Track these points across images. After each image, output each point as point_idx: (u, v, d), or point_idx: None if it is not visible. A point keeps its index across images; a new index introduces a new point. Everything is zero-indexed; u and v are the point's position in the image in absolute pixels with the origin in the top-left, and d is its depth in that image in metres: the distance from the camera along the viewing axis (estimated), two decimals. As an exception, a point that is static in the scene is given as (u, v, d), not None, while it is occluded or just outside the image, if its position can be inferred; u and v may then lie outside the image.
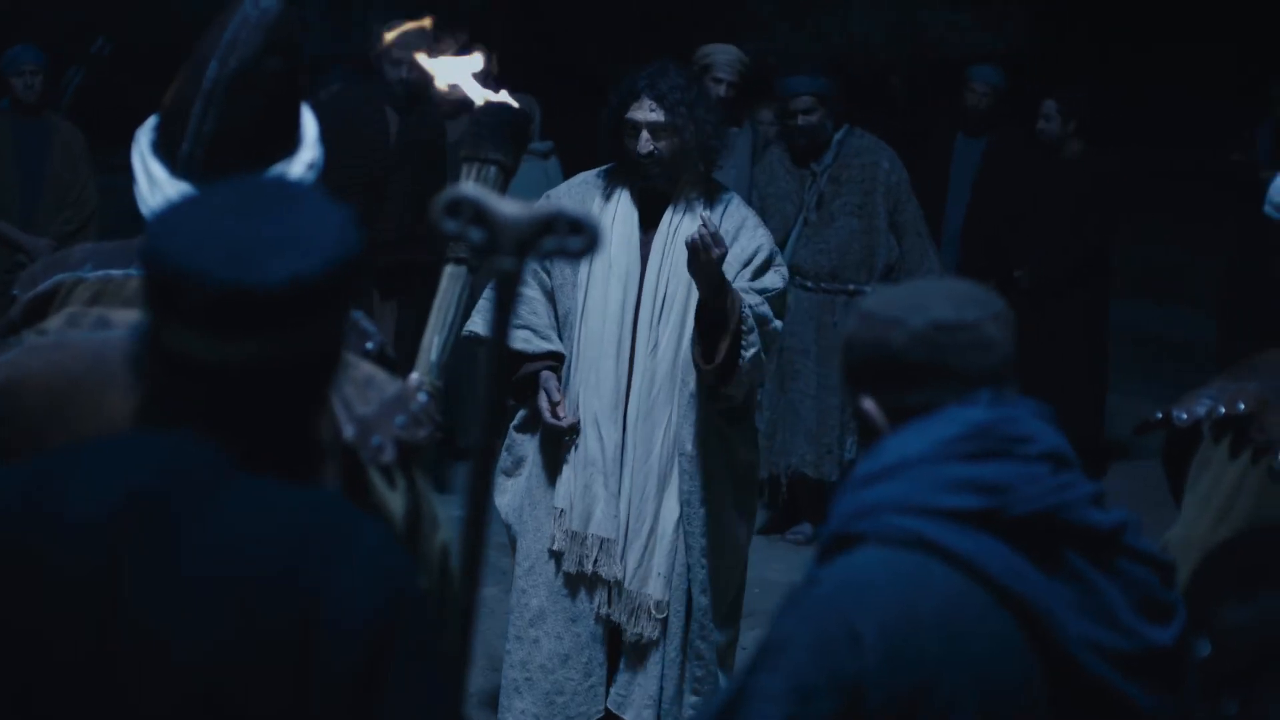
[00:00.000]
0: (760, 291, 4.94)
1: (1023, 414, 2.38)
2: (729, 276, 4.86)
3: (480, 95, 3.23)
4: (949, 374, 2.38)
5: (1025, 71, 10.05)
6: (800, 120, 7.75)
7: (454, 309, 3.13)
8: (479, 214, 2.10)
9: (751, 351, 4.86)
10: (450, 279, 3.14)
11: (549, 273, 5.09)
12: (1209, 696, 2.64)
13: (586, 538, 5.04)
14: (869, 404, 2.44)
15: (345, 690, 1.96)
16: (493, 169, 3.23)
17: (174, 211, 2.10)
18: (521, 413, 5.20)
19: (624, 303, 5.02)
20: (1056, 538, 2.34)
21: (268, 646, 1.95)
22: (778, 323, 5.05)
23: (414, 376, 3.00)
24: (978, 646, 2.28)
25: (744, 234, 5.03)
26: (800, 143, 7.80)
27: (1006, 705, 2.30)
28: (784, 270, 5.16)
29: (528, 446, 5.19)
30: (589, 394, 5.04)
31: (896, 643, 2.24)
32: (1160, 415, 3.47)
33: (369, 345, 2.79)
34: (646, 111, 4.94)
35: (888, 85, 12.47)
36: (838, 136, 7.82)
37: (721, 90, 8.23)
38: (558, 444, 5.10)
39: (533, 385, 5.07)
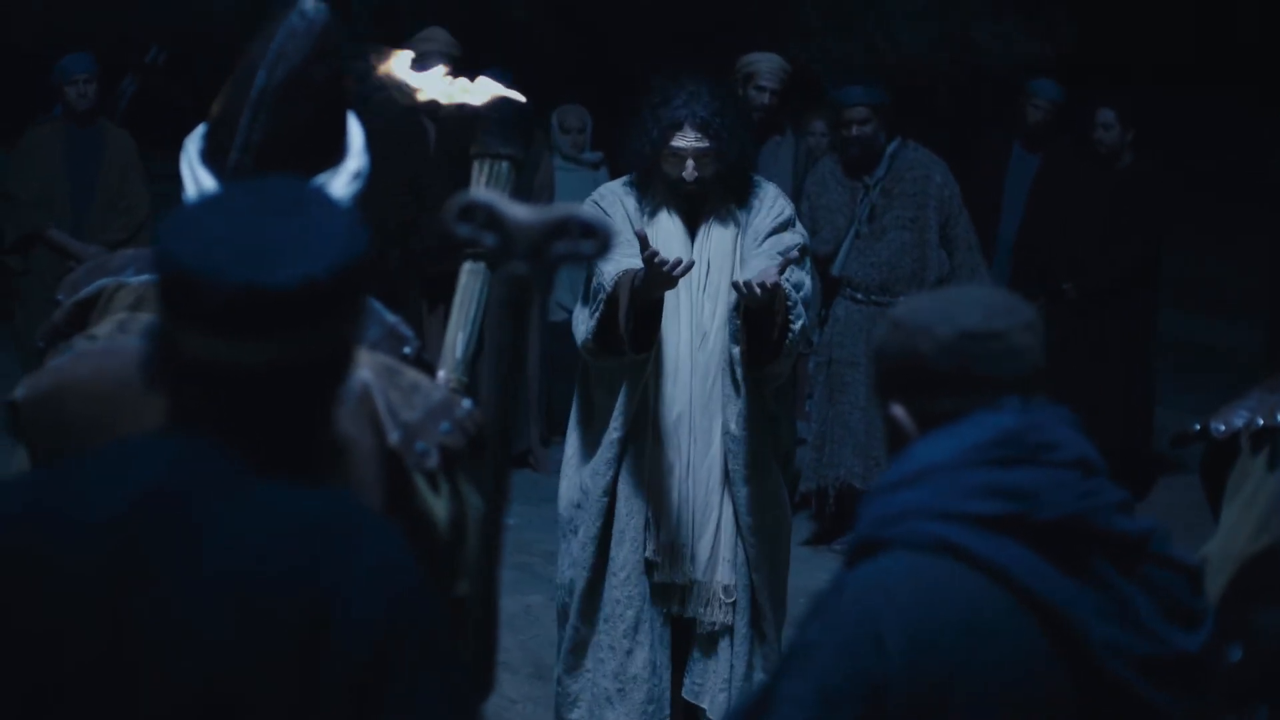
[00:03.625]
0: (783, 252, 5.01)
1: (1050, 421, 2.39)
2: (756, 247, 5.04)
3: (485, 94, 3.24)
4: (977, 381, 2.40)
5: (1075, 81, 10.01)
6: (855, 131, 7.79)
7: (475, 305, 3.15)
8: (492, 218, 2.11)
9: (799, 324, 4.96)
10: (470, 275, 3.16)
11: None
12: (1240, 702, 2.65)
13: (673, 545, 5.11)
14: (898, 411, 2.46)
15: (353, 689, 1.98)
16: (505, 165, 3.23)
17: (185, 214, 2.11)
18: (616, 418, 5.16)
19: (691, 309, 5.08)
20: (1083, 544, 2.35)
21: (277, 645, 1.97)
22: (807, 284, 5.12)
23: (441, 374, 3.03)
24: (1002, 651, 2.29)
25: (764, 206, 5.15)
26: (854, 153, 7.83)
27: (1029, 710, 2.31)
28: (802, 229, 5.26)
29: (616, 451, 5.16)
30: (670, 401, 5.09)
31: (919, 647, 2.26)
32: (1198, 427, 3.45)
33: (406, 350, 2.80)
34: (692, 140, 4.99)
35: (935, 95, 12.45)
36: (890, 149, 7.85)
37: (765, 98, 8.28)
38: (644, 452, 5.11)
39: (648, 315, 4.98)
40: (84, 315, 2.84)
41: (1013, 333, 2.42)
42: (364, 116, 2.80)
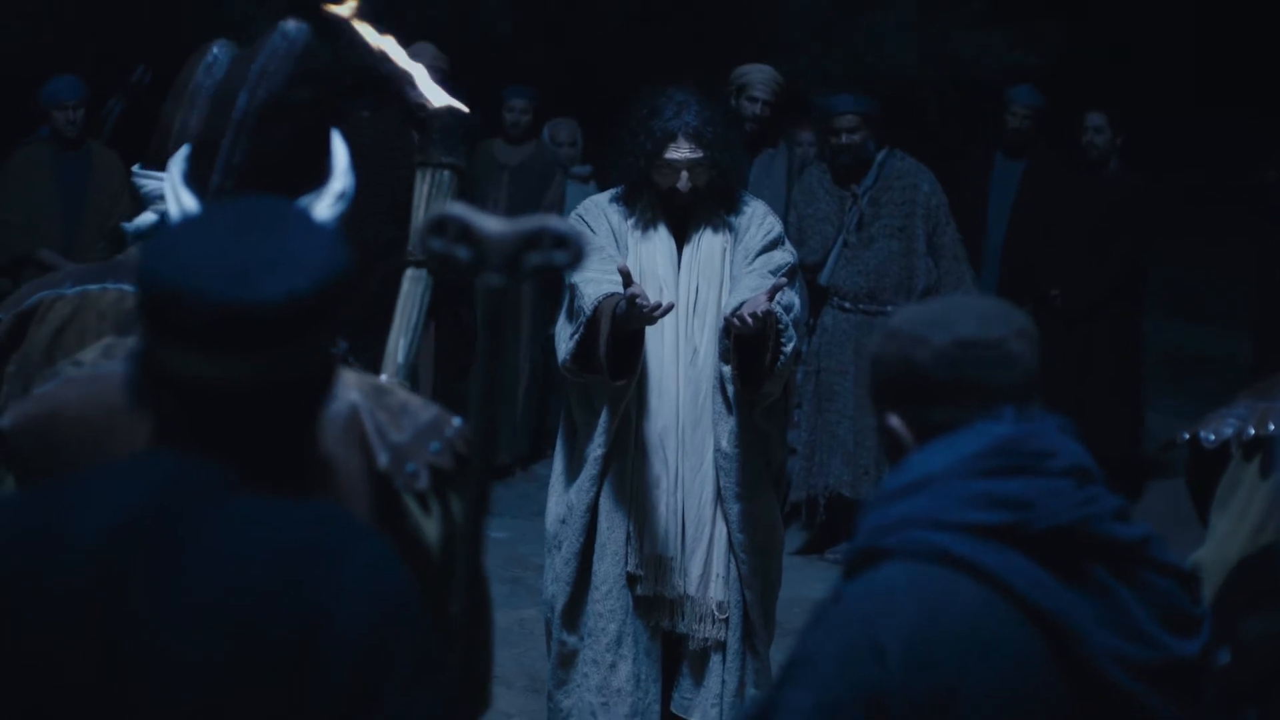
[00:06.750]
0: (774, 272, 5.00)
1: (1046, 429, 2.40)
2: (747, 266, 5.01)
3: (434, 99, 3.24)
4: (973, 390, 2.40)
5: (1059, 91, 10.03)
6: (844, 139, 7.82)
7: (416, 311, 3.17)
8: (464, 232, 2.10)
9: (790, 346, 4.92)
10: (411, 282, 3.17)
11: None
12: (1228, 707, 2.65)
13: (659, 559, 5.09)
14: (895, 421, 2.46)
15: (344, 705, 1.98)
16: (447, 174, 3.23)
17: (169, 234, 2.13)
18: (599, 435, 5.13)
19: (677, 325, 5.05)
20: (1080, 551, 2.35)
21: (267, 660, 1.97)
22: (797, 304, 5.10)
23: (383, 378, 3.03)
24: (1001, 659, 2.30)
25: (754, 222, 5.13)
26: (843, 161, 7.85)
27: (1029, 717, 2.32)
28: (791, 247, 5.24)
29: (599, 468, 5.13)
30: (654, 416, 5.07)
31: (919, 655, 2.27)
32: (1186, 436, 3.45)
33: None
34: (686, 152, 4.97)
35: (920, 106, 12.46)
36: (879, 158, 7.88)
37: (757, 109, 8.27)
38: (627, 468, 5.09)
39: (628, 346, 4.94)
40: (23, 328, 2.92)
41: (1008, 340, 2.43)
42: (351, 134, 2.80)
